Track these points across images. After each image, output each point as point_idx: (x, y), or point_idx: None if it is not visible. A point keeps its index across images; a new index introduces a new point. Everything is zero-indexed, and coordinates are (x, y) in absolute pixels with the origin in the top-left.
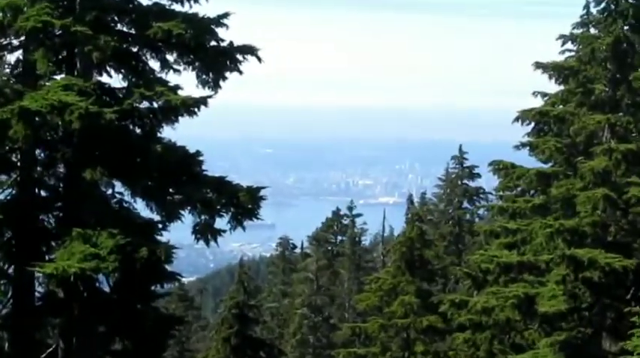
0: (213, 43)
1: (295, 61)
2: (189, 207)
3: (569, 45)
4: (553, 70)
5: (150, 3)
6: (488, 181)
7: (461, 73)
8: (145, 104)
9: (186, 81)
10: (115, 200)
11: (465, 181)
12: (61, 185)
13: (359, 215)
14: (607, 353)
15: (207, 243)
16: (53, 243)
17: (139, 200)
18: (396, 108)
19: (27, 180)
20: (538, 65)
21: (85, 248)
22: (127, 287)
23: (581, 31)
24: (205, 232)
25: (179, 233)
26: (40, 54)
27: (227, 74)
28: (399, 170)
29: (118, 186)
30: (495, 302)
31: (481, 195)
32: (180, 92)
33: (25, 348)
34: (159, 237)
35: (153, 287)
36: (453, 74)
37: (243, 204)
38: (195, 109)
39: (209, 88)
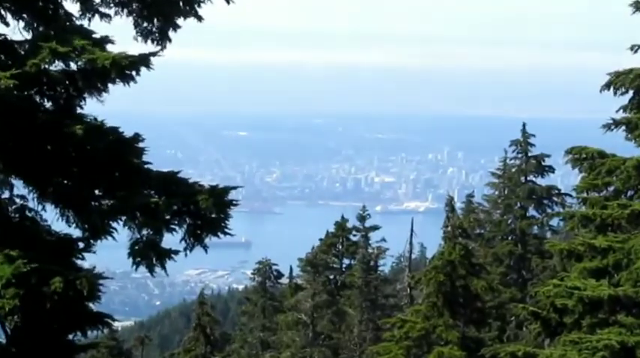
0: None
1: (273, 9)
2: (123, 217)
3: None
4: None
5: None
6: (566, 177)
7: (525, 19)
8: (58, 65)
9: (119, 31)
10: (13, 207)
11: (532, 177)
12: None
13: (375, 228)
14: None
15: (150, 269)
16: None
17: (49, 207)
18: (428, 69)
19: None
20: None
21: None
22: (31, 336)
23: None
24: (148, 254)
25: (110, 255)
26: None
27: (179, 21)
28: (433, 161)
29: (19, 187)
30: (577, 356)
31: (555, 198)
32: (110, 48)
33: None
34: (79, 262)
35: (70, 336)
36: (515, 21)
37: (205, 212)
38: (133, 73)
39: (153, 41)
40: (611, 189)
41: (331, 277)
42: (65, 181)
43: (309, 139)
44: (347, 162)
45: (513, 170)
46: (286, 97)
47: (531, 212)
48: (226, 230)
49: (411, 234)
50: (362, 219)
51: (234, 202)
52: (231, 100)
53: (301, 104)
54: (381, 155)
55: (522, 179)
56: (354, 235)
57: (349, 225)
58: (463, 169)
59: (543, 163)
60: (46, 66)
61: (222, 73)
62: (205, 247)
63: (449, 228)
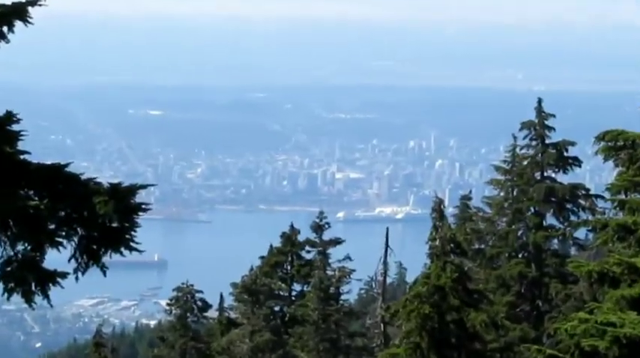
0: None
1: None
2: None
3: None
4: None
5: None
6: (597, 173)
7: None
8: None
9: None
10: None
11: (550, 173)
12: None
13: (336, 241)
14: None
15: (28, 299)
16: None
17: None
18: (410, 24)
19: None
20: None
21: None
22: None
23: None
24: (25, 278)
25: None
26: None
27: None
28: (416, 151)
29: None
30: None
31: (581, 201)
32: None
33: None
34: None
35: None
36: None
37: (103, 219)
38: (4, 28)
39: None
40: None
41: (276, 309)
42: None
43: (247, 121)
44: (298, 151)
45: (525, 163)
46: (216, 63)
47: (550, 220)
48: (133, 244)
49: (386, 250)
50: (319, 229)
51: (143, 206)
52: (141, 67)
53: (236, 73)
54: (345, 142)
55: (537, 175)
56: (308, 251)
57: (301, 237)
58: (457, 162)
59: (566, 154)
60: None
61: (128, 28)
62: (104, 268)
63: (437, 242)
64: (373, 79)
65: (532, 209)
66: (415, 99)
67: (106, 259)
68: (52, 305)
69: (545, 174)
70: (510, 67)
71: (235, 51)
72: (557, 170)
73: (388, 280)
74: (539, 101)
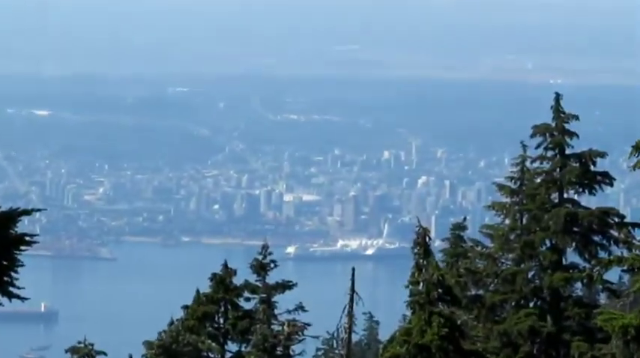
0: None
1: None
2: None
3: None
4: None
5: None
6: (633, 193)
7: None
8: None
9: None
10: None
11: (572, 195)
12: None
13: (286, 286)
14: None
15: None
16: None
17: None
18: None
19: None
20: None
21: None
22: None
23: None
24: None
25: None
26: None
27: None
28: (391, 164)
29: None
30: None
31: (614, 232)
32: None
33: None
34: None
35: None
36: None
37: None
38: None
39: None
40: None
41: None
42: None
43: (165, 124)
44: (234, 165)
45: (539, 180)
46: (123, 47)
47: (571, 257)
48: (12, 289)
49: (352, 298)
50: (261, 269)
51: (27, 239)
52: (22, 52)
53: (152, 59)
54: (297, 153)
55: (555, 197)
56: (248, 299)
57: (238, 280)
58: (446, 179)
59: (593, 168)
60: None
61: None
62: None
63: (420, 287)
64: (333, 68)
65: (547, 242)
66: (390, 96)
67: None
68: None
69: (566, 195)
70: (517, 52)
71: (150, 31)
72: (580, 190)
73: (355, 337)
74: (557, 98)
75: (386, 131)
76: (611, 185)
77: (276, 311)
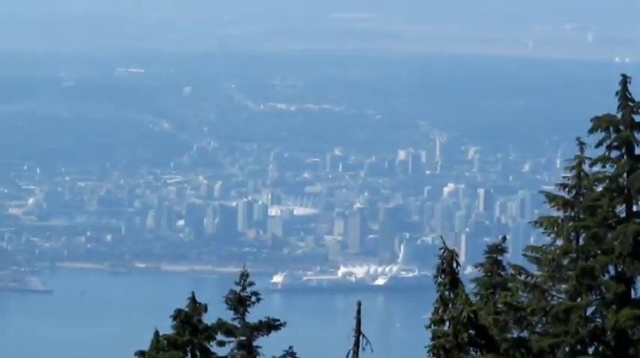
0: None
1: None
2: None
3: None
4: None
5: None
6: None
7: None
8: None
9: None
10: None
11: None
12: None
13: (271, 325)
14: None
15: None
16: None
17: None
18: None
19: None
20: None
21: None
22: None
23: None
24: None
25: None
26: None
27: None
28: (409, 169)
29: None
30: None
31: None
32: None
33: None
34: None
35: None
36: None
37: None
38: None
39: None
40: None
41: None
42: None
43: (114, 115)
44: (204, 168)
45: (600, 188)
46: (62, 15)
47: None
48: None
49: (357, 341)
50: (239, 304)
51: None
52: None
53: (96, 30)
54: (286, 152)
55: (621, 211)
56: (222, 344)
57: (209, 318)
58: (480, 187)
59: None
60: None
61: None
62: None
63: (446, 327)
64: (332, 42)
65: (612, 269)
66: (407, 79)
67: None
68: None
69: (635, 208)
70: (575, 20)
71: None
72: None
73: None
74: (625, 81)
75: (401, 124)
76: None
77: None
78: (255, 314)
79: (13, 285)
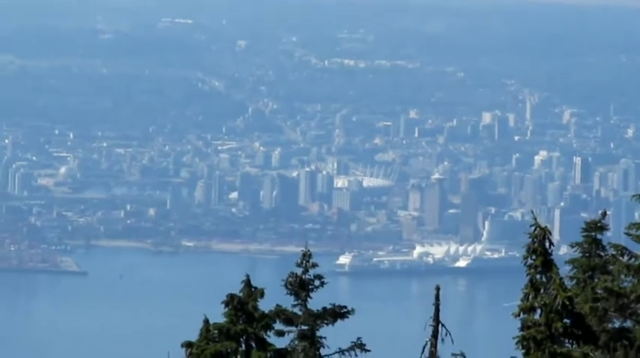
0: None
1: None
2: None
3: None
4: None
5: None
6: None
7: None
8: None
9: None
10: None
11: None
12: None
13: (338, 312)
14: None
15: None
16: None
17: None
18: None
19: None
20: None
21: None
22: None
23: None
24: None
25: None
26: None
27: None
28: (495, 133)
29: None
30: None
31: None
32: None
33: None
34: None
35: None
36: None
37: None
38: None
39: None
40: None
41: None
42: None
43: (156, 73)
44: (261, 134)
45: None
46: None
47: None
48: None
49: (435, 331)
50: (301, 288)
51: None
52: None
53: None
54: (355, 115)
55: None
56: (281, 333)
57: (267, 304)
58: (577, 155)
59: None
60: None
61: None
62: None
63: (537, 315)
64: None
65: None
66: (494, 30)
67: None
68: None
69: None
70: None
71: None
72: None
73: None
74: None
75: (487, 83)
76: None
77: (322, 352)
78: (318, 301)
79: (43, 266)
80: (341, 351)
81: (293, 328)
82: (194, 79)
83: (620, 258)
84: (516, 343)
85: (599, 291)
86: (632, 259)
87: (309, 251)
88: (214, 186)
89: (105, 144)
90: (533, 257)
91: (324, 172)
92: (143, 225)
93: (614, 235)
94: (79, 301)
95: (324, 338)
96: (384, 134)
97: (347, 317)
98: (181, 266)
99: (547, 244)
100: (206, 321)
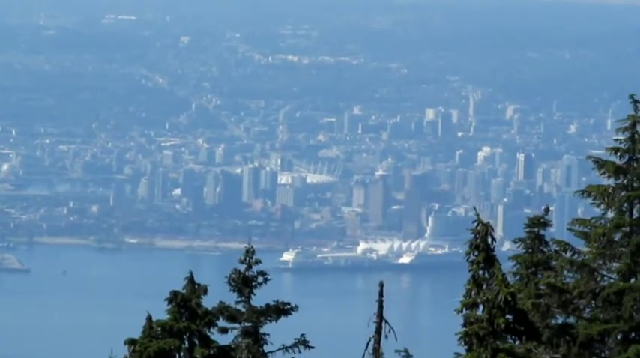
0: None
1: None
2: None
3: None
4: None
5: None
6: None
7: None
8: None
9: None
10: None
11: None
12: None
13: (281, 309)
14: None
15: None
16: None
17: None
18: None
19: None
20: None
21: None
22: None
23: None
24: None
25: None
26: None
27: None
28: (438, 130)
29: None
30: None
31: None
32: None
33: None
34: None
35: None
36: None
37: None
38: None
39: None
40: None
41: None
42: None
43: (100, 69)
44: (205, 130)
45: None
46: None
47: None
48: None
49: (379, 327)
50: (244, 285)
51: None
52: None
53: None
54: (299, 111)
55: None
56: (224, 330)
57: (209, 301)
58: (520, 151)
59: None
60: None
61: None
62: None
63: (480, 311)
64: None
65: None
66: (437, 25)
67: None
68: None
69: None
70: None
71: None
72: None
73: None
74: None
75: (430, 79)
76: None
77: (266, 348)
78: (262, 297)
79: None
80: (285, 348)
81: (236, 325)
82: (137, 75)
83: (563, 253)
84: (459, 339)
85: (542, 287)
86: (575, 255)
87: (252, 247)
88: (157, 182)
89: (48, 141)
90: (476, 253)
91: (268, 169)
92: (86, 222)
93: (557, 231)
94: (22, 298)
95: (268, 334)
96: (327, 130)
97: (290, 313)
98: (125, 262)
99: (489, 240)
100: (149, 318)
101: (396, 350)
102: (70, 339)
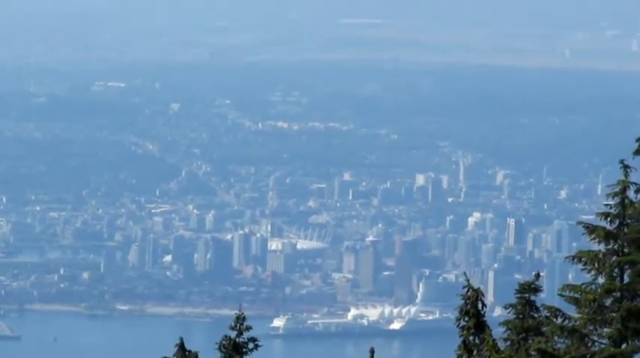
0: None
1: None
2: None
3: None
4: None
5: None
6: None
7: None
8: None
9: None
10: None
11: None
12: None
13: None
14: None
15: None
16: None
17: None
18: None
19: None
20: None
21: None
22: None
23: None
24: None
25: None
26: None
27: None
28: (428, 196)
29: None
30: None
31: None
32: None
33: None
34: None
35: None
36: None
37: None
38: None
39: None
40: None
41: None
42: None
43: (89, 136)
44: (195, 197)
45: None
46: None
47: None
48: None
49: None
50: (235, 351)
51: None
52: None
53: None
54: (289, 178)
55: None
56: None
57: None
58: (511, 217)
59: None
60: None
61: None
62: None
63: None
64: (342, 51)
65: None
66: (427, 93)
67: None
68: None
69: None
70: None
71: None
72: None
73: None
74: None
75: (420, 145)
76: None
77: None
78: None
79: None
80: None
81: None
82: (127, 142)
83: (554, 319)
84: None
85: (533, 353)
86: (566, 320)
87: (243, 314)
88: (148, 249)
89: (38, 208)
90: (466, 318)
91: (258, 235)
92: (77, 289)
93: (547, 296)
94: None
95: None
96: (317, 196)
97: None
98: (116, 329)
99: (480, 305)
100: None
101: None
102: None
